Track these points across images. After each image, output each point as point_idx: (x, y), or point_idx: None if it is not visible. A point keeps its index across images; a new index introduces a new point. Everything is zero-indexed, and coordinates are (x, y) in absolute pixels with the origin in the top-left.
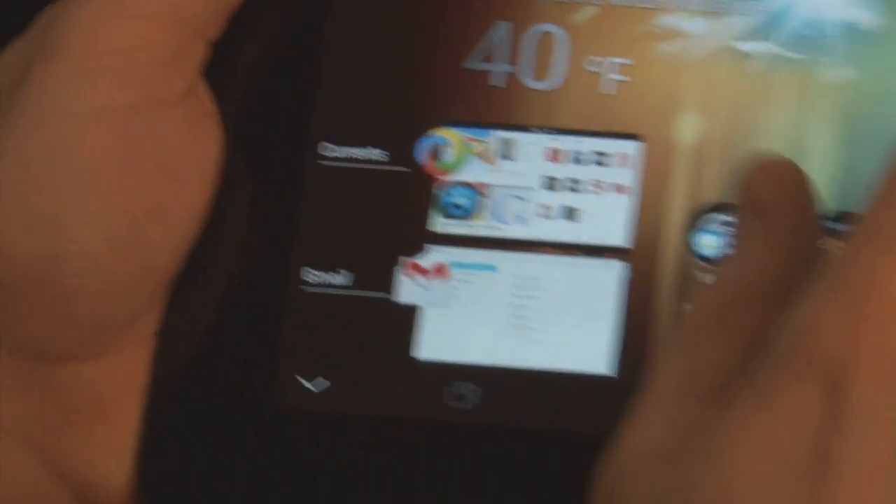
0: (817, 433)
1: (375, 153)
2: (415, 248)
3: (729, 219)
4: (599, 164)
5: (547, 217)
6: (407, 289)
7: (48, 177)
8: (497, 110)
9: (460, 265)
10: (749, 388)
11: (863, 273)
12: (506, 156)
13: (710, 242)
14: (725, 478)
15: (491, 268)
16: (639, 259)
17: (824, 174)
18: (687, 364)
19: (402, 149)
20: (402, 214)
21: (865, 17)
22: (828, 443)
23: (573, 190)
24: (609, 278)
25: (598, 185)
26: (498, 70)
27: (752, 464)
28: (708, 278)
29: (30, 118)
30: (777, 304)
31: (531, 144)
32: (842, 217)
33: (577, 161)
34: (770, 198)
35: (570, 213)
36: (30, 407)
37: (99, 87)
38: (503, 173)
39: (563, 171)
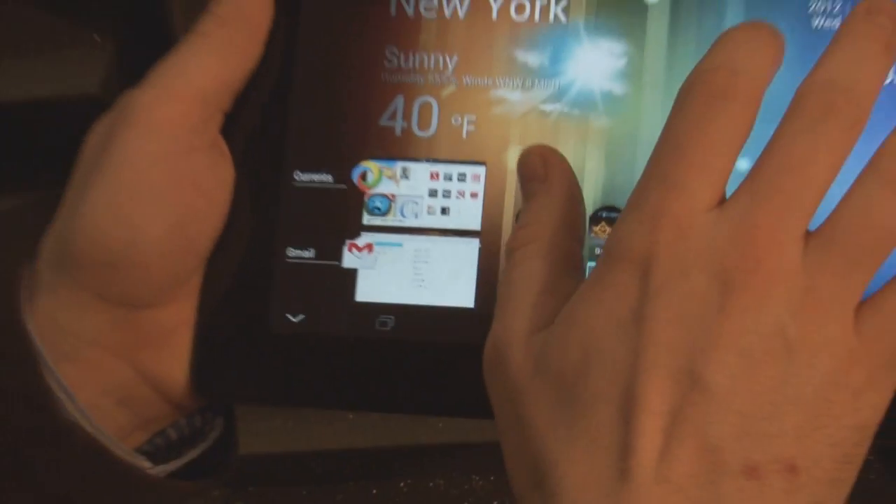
0: (635, 301)
1: (327, 177)
2: (354, 233)
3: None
4: (461, 180)
5: (431, 213)
6: (349, 259)
7: (127, 195)
8: (399, 149)
9: (381, 243)
10: (588, 278)
11: (656, 196)
12: (405, 177)
13: None
14: (579, 331)
15: (399, 245)
16: (486, 237)
17: (594, 182)
18: (529, 274)
19: (342, 174)
20: (345, 214)
21: (618, 88)
22: (642, 305)
23: (446, 196)
24: (469, 250)
25: (461, 193)
26: (398, 125)
27: (595, 321)
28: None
29: (116, 159)
30: (564, 233)
31: (420, 170)
32: (606, 208)
33: (448, 179)
34: (541, 164)
35: (444, 211)
36: (122, 335)
37: (156, 141)
38: (404, 187)
39: (440, 185)
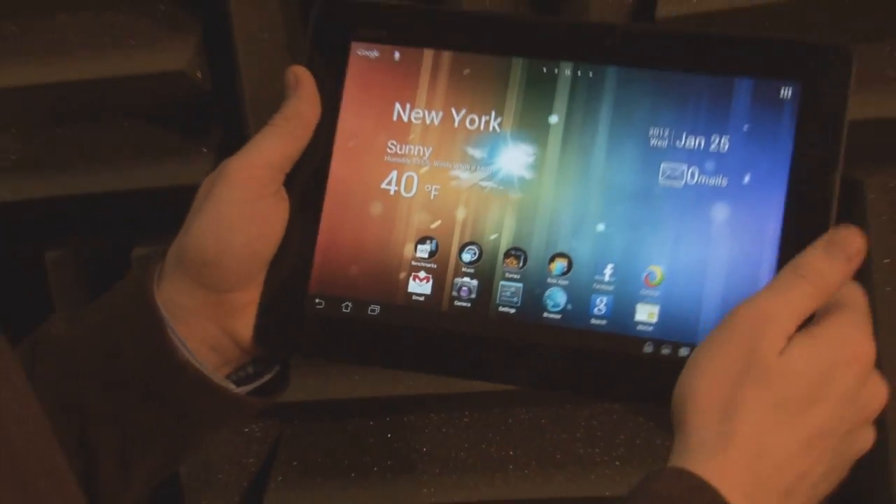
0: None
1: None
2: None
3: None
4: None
5: None
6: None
7: (218, 223)
8: (392, 204)
9: None
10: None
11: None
12: None
13: (466, 257)
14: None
15: None
16: (441, 260)
17: (509, 230)
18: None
19: None
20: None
21: (527, 174)
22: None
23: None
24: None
25: None
26: (392, 188)
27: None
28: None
29: (213, 200)
30: None
31: None
32: (514, 248)
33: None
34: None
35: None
36: (213, 309)
37: (238, 191)
38: None
39: None
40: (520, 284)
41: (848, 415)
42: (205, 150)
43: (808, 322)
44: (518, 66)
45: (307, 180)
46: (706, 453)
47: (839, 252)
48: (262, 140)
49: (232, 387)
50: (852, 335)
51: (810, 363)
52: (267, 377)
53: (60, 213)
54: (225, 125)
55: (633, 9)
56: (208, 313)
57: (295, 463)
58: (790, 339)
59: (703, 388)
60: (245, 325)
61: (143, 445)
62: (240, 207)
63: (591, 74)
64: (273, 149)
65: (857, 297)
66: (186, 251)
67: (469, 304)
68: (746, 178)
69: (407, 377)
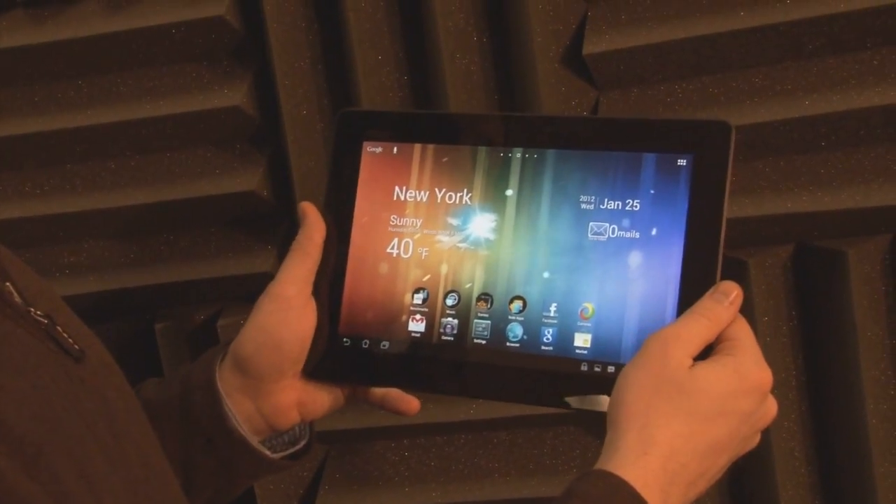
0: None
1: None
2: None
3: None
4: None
5: None
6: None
7: (259, 331)
8: (393, 263)
9: None
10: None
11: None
12: None
13: (449, 302)
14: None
15: None
16: (431, 312)
17: (479, 281)
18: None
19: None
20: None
21: (492, 236)
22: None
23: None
24: None
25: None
26: (395, 251)
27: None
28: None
29: (258, 312)
30: None
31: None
32: (483, 294)
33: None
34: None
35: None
36: (251, 391)
37: (274, 303)
38: None
39: None
40: (489, 321)
41: (745, 428)
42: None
43: (709, 351)
44: (482, 153)
45: (330, 285)
46: (630, 456)
47: (724, 298)
48: (287, 263)
49: (265, 451)
50: (752, 368)
51: (715, 384)
52: (297, 447)
53: (165, 293)
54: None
55: (572, 101)
56: (247, 393)
57: (338, 475)
58: (697, 360)
59: (629, 399)
60: (273, 407)
61: (200, 482)
62: (273, 317)
63: (535, 156)
64: (295, 269)
65: (745, 333)
66: (235, 347)
67: (452, 338)
68: (654, 231)
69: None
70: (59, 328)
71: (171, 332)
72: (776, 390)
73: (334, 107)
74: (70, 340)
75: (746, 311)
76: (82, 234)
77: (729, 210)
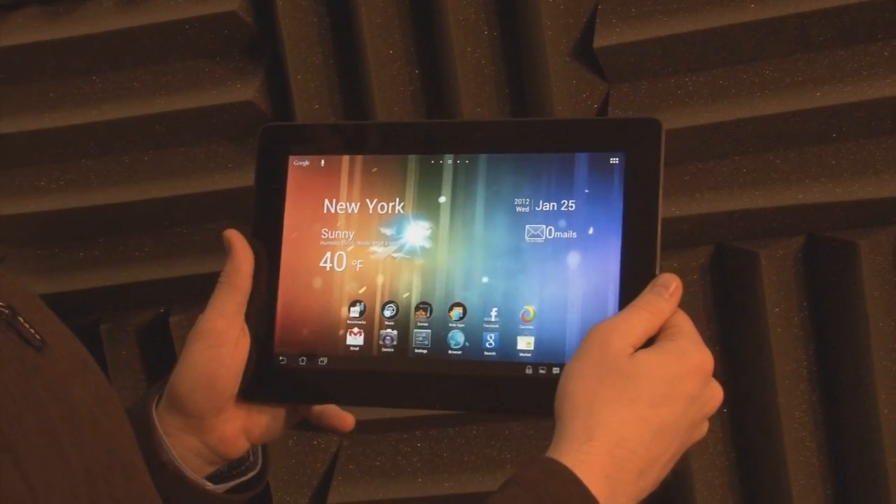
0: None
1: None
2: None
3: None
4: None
5: None
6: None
7: (188, 367)
8: (327, 277)
9: None
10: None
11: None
12: None
13: (388, 313)
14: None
15: None
16: (369, 321)
17: (416, 290)
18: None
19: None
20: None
21: (427, 244)
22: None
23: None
24: None
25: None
26: (328, 265)
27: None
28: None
29: (188, 350)
30: None
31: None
32: (422, 303)
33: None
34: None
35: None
36: (192, 428)
37: (203, 340)
38: None
39: None
40: (429, 330)
41: (692, 412)
42: None
43: (651, 343)
44: (413, 161)
45: (262, 308)
46: (575, 443)
47: (664, 290)
48: (214, 299)
49: (206, 483)
50: (692, 350)
51: (657, 369)
52: (242, 478)
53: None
54: None
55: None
56: (190, 430)
57: (351, 467)
58: (638, 349)
59: (573, 390)
60: (219, 439)
61: None
62: (204, 354)
63: (467, 162)
64: (223, 304)
65: (685, 321)
66: (170, 388)
67: (393, 350)
68: (591, 231)
69: None
70: (20, 318)
71: (183, 326)
72: (788, 380)
73: (346, 101)
74: (31, 331)
75: (758, 302)
76: (96, 229)
77: (735, 202)
